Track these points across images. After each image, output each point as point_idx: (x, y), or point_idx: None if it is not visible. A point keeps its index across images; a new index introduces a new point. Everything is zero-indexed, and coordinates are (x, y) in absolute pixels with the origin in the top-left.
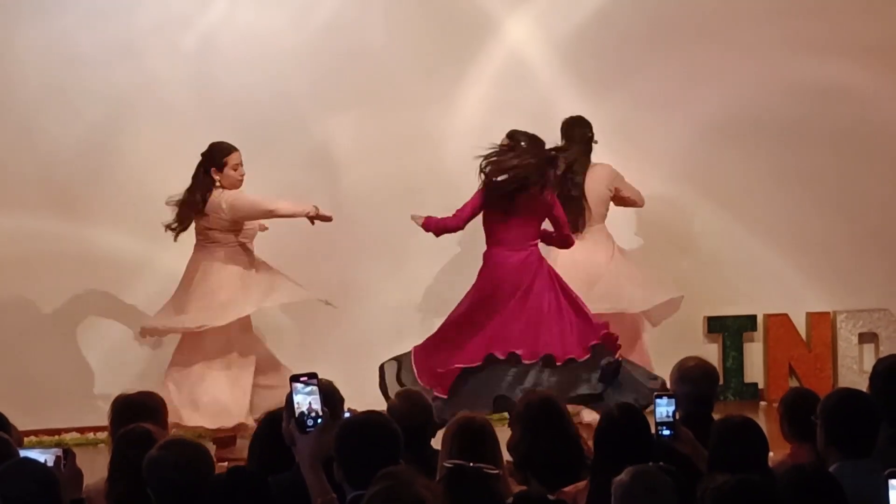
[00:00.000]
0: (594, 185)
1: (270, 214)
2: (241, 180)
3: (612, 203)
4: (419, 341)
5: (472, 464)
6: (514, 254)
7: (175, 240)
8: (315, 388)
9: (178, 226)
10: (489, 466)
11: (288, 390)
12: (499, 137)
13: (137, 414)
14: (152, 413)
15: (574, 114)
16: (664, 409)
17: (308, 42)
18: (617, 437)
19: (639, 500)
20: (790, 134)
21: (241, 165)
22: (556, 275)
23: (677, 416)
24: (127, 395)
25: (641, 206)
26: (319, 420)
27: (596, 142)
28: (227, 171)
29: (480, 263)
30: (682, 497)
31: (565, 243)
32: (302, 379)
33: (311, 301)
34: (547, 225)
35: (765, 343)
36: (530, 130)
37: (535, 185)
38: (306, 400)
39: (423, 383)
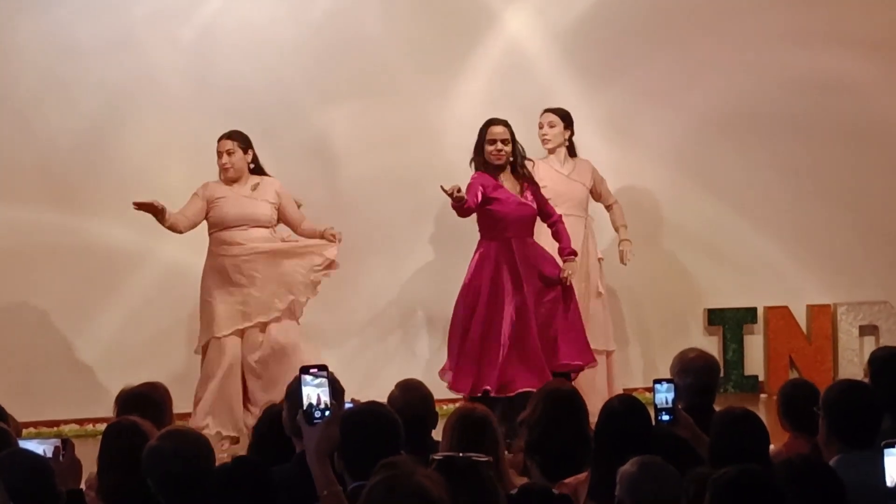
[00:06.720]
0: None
1: None
2: (223, 168)
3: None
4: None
5: (461, 454)
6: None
7: None
8: (325, 380)
9: None
10: (478, 455)
11: None
12: None
13: (142, 406)
14: (157, 405)
15: (571, 105)
16: (663, 395)
17: (306, 33)
18: (618, 429)
19: (646, 491)
20: (789, 126)
21: (222, 154)
22: None
23: (678, 404)
24: (131, 387)
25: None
26: (328, 412)
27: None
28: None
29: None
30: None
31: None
32: (311, 371)
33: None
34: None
35: (765, 335)
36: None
37: None
38: (315, 392)
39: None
